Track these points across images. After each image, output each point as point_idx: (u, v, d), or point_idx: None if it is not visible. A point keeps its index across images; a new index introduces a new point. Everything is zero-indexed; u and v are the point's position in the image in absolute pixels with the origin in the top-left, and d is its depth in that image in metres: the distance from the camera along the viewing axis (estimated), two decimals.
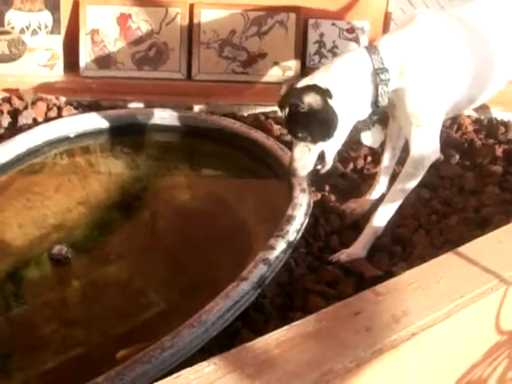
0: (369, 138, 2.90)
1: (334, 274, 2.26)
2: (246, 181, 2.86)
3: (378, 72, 2.21)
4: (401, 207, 2.41)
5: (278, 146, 2.75)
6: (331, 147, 2.27)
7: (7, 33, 3.22)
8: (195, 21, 3.28)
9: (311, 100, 2.16)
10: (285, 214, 2.30)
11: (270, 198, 2.63)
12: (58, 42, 3.26)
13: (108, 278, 2.23)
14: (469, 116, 3.07)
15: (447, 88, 2.30)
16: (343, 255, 2.33)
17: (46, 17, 3.22)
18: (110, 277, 2.24)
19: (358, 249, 2.34)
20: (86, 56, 3.27)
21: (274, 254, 2.11)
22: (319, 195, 2.61)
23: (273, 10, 3.30)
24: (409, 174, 2.34)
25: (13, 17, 3.21)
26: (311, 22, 3.33)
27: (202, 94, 3.26)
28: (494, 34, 2.42)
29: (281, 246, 2.14)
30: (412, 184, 2.35)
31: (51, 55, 3.26)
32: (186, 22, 3.29)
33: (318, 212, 2.52)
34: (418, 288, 1.79)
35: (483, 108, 3.07)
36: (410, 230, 2.43)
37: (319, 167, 2.31)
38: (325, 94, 2.17)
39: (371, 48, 2.27)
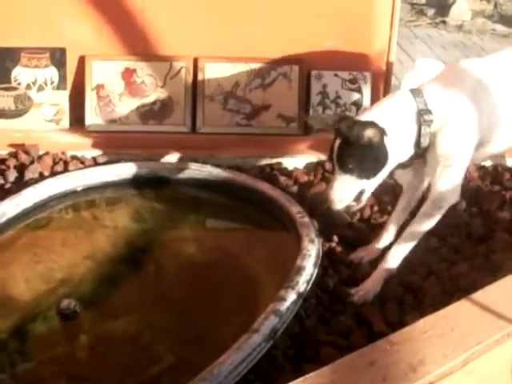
0: (403, 177, 2.85)
1: (346, 324, 2.23)
2: (253, 232, 2.85)
3: (421, 113, 2.27)
4: (410, 256, 2.41)
5: (285, 196, 2.75)
6: (370, 186, 2.30)
7: (14, 89, 3.25)
8: (199, 74, 3.32)
9: (372, 135, 2.20)
10: (293, 264, 2.29)
11: (278, 249, 2.62)
12: (63, 98, 3.30)
13: (117, 332, 2.20)
14: (473, 163, 3.08)
15: (479, 134, 2.35)
16: (356, 296, 2.34)
17: (52, 72, 3.27)
18: (119, 331, 2.21)
19: (369, 286, 2.37)
20: (91, 111, 3.30)
21: (284, 306, 2.09)
22: (327, 246, 2.60)
23: (276, 63, 3.35)
24: (426, 215, 2.37)
25: (19, 73, 3.25)
26: (314, 73, 3.37)
27: (206, 146, 3.27)
28: None
29: (291, 297, 2.13)
30: (428, 225, 2.38)
31: (57, 110, 3.29)
32: (191, 75, 3.33)
33: (327, 262, 2.51)
34: (432, 336, 1.77)
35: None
36: (420, 278, 2.42)
37: (353, 204, 2.32)
38: (382, 131, 2.22)
39: (415, 91, 2.33)
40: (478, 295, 1.93)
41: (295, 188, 3.01)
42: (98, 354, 2.15)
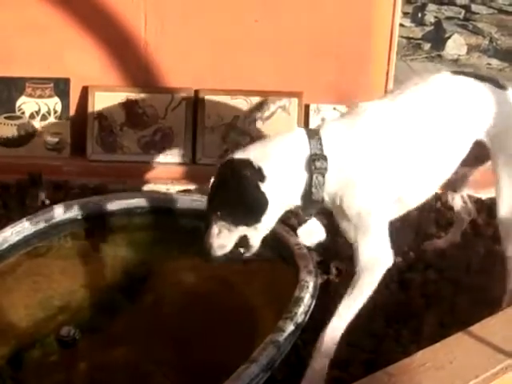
0: (306, 235, 2.42)
1: (343, 355, 2.23)
2: (251, 263, 2.85)
3: (313, 158, 1.93)
4: (408, 289, 2.43)
5: (283, 228, 2.76)
6: (257, 232, 2.02)
7: (17, 118, 3.32)
8: (200, 106, 3.38)
9: (241, 177, 1.91)
10: (291, 295, 2.30)
11: (276, 280, 2.63)
12: (66, 127, 3.35)
13: (116, 360, 2.21)
14: (470, 196, 3.10)
15: (390, 184, 2.07)
16: None
17: (56, 102, 3.33)
18: (118, 359, 2.22)
19: (312, 379, 2.00)
20: (92, 140, 3.34)
21: (283, 336, 2.09)
22: (325, 277, 2.61)
23: (275, 96, 3.40)
24: (357, 286, 2.03)
25: (23, 102, 3.32)
26: (313, 106, 3.42)
27: (206, 177, 3.28)
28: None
29: (289, 328, 2.13)
30: (360, 300, 2.02)
31: (59, 139, 3.34)
32: (191, 107, 3.37)
33: (324, 294, 2.51)
34: (431, 368, 1.78)
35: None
36: (418, 310, 2.43)
37: (243, 251, 2.08)
38: (257, 174, 1.92)
39: (311, 131, 2.02)
40: (477, 328, 1.94)
41: (294, 220, 3.02)
42: (97, 381, 2.15)
